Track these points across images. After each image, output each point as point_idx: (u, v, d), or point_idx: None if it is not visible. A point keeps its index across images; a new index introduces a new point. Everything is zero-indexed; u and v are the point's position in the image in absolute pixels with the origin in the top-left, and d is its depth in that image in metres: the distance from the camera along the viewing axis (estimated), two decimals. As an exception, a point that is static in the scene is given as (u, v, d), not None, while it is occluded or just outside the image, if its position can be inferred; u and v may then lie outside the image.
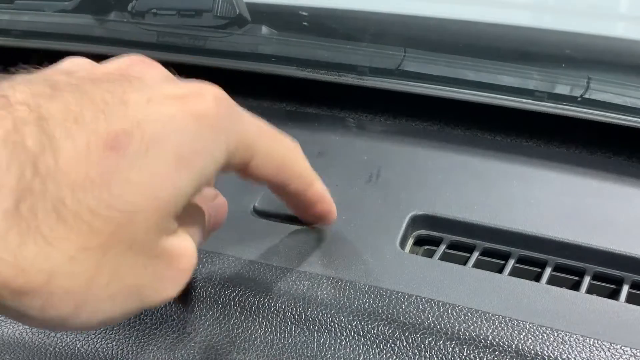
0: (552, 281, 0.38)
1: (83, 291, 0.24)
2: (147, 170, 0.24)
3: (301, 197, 0.35)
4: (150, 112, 0.25)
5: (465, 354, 0.32)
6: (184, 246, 0.28)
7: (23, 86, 0.24)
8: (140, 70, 0.29)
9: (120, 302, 0.25)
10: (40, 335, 0.37)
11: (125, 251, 0.24)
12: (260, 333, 0.35)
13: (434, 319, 0.34)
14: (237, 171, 0.31)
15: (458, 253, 0.41)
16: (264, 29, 0.59)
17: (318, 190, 0.36)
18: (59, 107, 0.23)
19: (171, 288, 0.27)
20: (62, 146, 0.23)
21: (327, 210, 0.37)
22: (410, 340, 0.33)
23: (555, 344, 0.32)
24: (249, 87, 0.56)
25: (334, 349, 0.33)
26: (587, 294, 0.36)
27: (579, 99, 0.48)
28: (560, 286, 0.37)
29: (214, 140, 0.27)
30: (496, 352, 0.32)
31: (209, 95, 0.27)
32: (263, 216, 0.41)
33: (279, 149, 0.32)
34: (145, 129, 0.24)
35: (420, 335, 0.33)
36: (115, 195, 0.23)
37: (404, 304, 0.34)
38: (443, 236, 0.41)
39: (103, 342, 0.36)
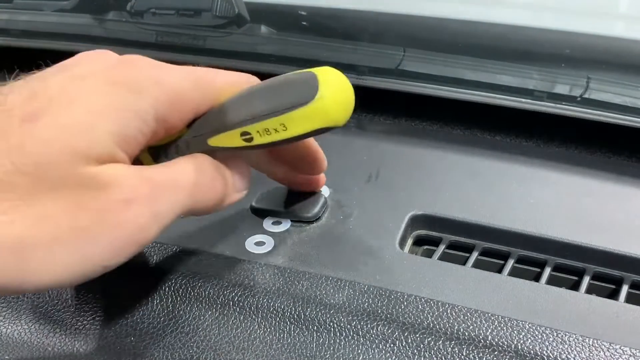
0: (551, 281, 0.38)
1: (19, 241, 0.27)
2: (58, 128, 0.28)
3: None
4: (66, 85, 0.29)
5: (464, 354, 0.32)
6: (111, 173, 0.28)
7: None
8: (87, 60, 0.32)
9: (65, 246, 0.27)
10: (39, 335, 0.37)
11: (48, 192, 0.27)
12: (259, 333, 0.34)
13: (433, 319, 0.33)
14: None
15: (457, 253, 0.41)
16: (263, 29, 0.59)
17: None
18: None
19: (112, 224, 0.28)
20: None
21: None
22: (409, 340, 0.33)
23: (554, 344, 0.32)
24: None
25: (333, 349, 0.33)
26: (587, 294, 0.36)
27: (579, 98, 0.48)
28: (560, 286, 0.37)
29: (130, 97, 0.29)
30: (495, 352, 0.32)
31: (121, 64, 0.31)
32: (260, 215, 0.41)
33: (225, 92, 0.33)
34: (60, 98, 0.28)
35: (419, 335, 0.33)
36: (29, 152, 0.27)
37: (404, 304, 0.34)
38: (442, 236, 0.41)
39: (101, 342, 0.36)
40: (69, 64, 0.31)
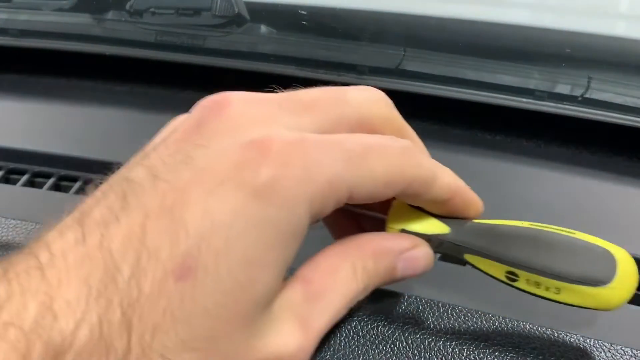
0: (552, 281, 0.38)
1: None
2: (218, 292, 0.23)
3: (424, 198, 0.30)
4: (210, 218, 0.23)
5: (465, 354, 0.32)
6: (276, 344, 0.25)
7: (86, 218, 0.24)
8: (206, 130, 0.26)
9: None
10: (37, 336, 0.37)
11: None
12: (258, 333, 0.34)
13: (434, 319, 0.33)
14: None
15: (458, 253, 0.40)
16: (263, 28, 0.59)
17: (444, 185, 0.30)
18: (121, 237, 0.23)
19: None
20: (138, 286, 0.22)
21: (462, 204, 0.31)
22: (410, 341, 0.33)
23: (555, 345, 0.32)
24: (248, 87, 0.56)
25: (333, 350, 0.33)
26: (588, 295, 0.36)
27: (580, 98, 0.48)
28: (561, 286, 0.36)
29: (285, 220, 0.24)
30: (496, 353, 0.32)
31: (266, 161, 0.24)
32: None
33: (378, 167, 0.27)
34: (208, 246, 0.23)
35: (420, 336, 0.33)
36: (195, 325, 0.23)
37: (404, 304, 0.34)
38: (443, 236, 0.41)
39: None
40: (182, 143, 0.25)
